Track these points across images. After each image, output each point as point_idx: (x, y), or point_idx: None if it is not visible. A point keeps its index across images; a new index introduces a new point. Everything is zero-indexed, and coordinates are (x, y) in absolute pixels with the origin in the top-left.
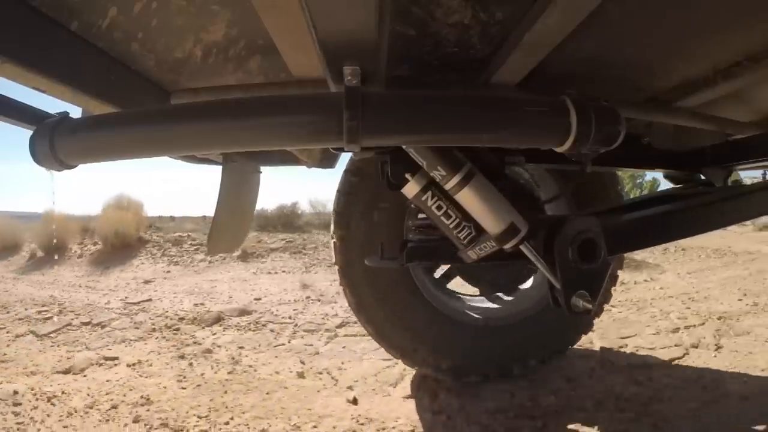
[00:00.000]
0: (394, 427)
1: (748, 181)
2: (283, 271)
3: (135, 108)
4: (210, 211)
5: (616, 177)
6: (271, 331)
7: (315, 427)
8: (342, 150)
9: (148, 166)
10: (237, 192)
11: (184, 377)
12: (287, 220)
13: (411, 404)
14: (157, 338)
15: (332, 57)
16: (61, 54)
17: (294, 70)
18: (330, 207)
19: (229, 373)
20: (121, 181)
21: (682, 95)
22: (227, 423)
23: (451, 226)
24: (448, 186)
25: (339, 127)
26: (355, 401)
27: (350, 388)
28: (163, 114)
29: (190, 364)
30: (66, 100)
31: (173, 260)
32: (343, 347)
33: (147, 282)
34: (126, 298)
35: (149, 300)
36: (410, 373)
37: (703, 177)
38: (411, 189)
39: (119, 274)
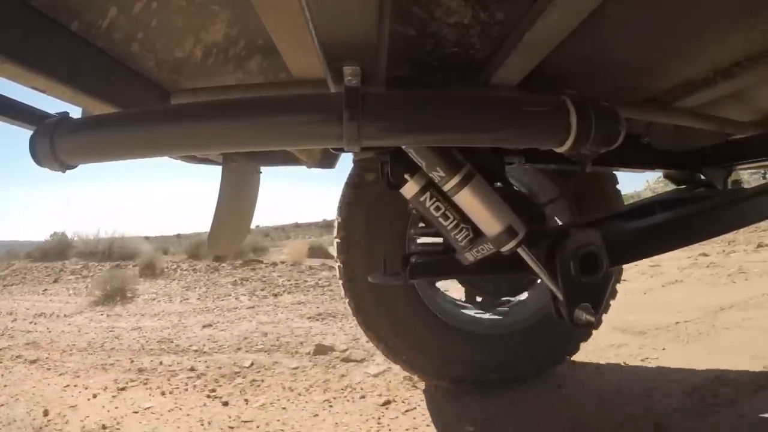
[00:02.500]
0: None
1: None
2: None
3: (135, 108)
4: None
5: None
6: None
7: None
8: (342, 150)
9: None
10: (237, 192)
11: None
12: (60, 249)
13: None
14: None
15: (332, 57)
16: (61, 54)
17: (294, 70)
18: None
19: None
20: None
21: (681, 95)
22: None
23: (449, 227)
24: (446, 187)
25: (339, 127)
26: None
27: None
28: (163, 114)
29: None
30: (66, 100)
31: None
32: None
33: None
34: None
35: None
36: None
37: (703, 177)
38: (410, 189)
39: None
